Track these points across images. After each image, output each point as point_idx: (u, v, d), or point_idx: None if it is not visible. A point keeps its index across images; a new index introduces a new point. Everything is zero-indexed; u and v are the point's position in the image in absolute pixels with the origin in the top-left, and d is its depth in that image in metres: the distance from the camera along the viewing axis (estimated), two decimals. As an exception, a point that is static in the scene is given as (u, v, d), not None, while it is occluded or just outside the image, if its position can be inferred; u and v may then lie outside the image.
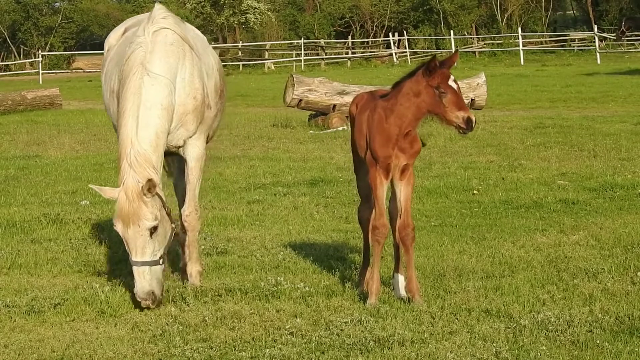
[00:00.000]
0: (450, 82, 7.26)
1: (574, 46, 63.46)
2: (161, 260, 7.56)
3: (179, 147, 8.10)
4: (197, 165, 8.17)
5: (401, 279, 7.79)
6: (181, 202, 8.84)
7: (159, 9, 8.06)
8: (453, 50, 59.48)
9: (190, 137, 8.02)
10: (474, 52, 64.25)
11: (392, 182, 7.60)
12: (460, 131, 7.27)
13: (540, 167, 14.99)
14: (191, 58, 7.91)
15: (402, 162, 7.49)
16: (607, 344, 6.49)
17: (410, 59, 63.66)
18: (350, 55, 66.48)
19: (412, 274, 7.62)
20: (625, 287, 7.88)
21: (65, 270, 9.01)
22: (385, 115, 7.46)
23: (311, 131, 21.56)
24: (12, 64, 69.54)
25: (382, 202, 7.56)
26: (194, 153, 8.13)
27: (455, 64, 7.66)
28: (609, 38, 62.05)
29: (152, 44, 7.74)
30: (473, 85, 22.24)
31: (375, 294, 7.58)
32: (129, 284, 8.31)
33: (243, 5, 79.00)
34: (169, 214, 7.63)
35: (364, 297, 7.73)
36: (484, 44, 66.68)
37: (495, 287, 7.98)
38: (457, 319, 7.18)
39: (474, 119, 7.23)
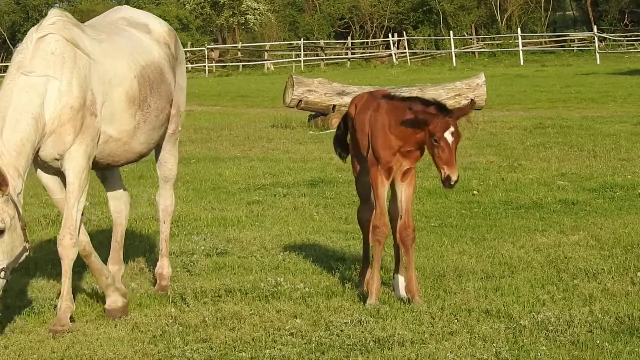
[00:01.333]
0: (447, 134, 7.12)
1: (573, 46, 63.49)
2: (2, 274, 6.82)
3: (55, 159, 7.28)
4: (76, 181, 7.24)
5: (401, 279, 7.79)
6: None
7: (51, 15, 7.47)
8: (453, 51, 59.56)
9: (68, 149, 7.21)
10: (473, 53, 64.29)
11: (393, 183, 7.59)
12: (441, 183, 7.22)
13: (540, 167, 14.99)
14: (72, 66, 7.22)
15: (405, 166, 7.49)
16: (607, 344, 6.49)
17: (410, 59, 63.71)
18: (349, 55, 66.54)
19: (412, 274, 7.62)
20: (625, 288, 7.88)
21: (65, 271, 9.00)
22: (389, 123, 7.40)
23: (311, 132, 21.56)
24: (11, 65, 69.49)
25: (383, 202, 7.55)
26: (72, 167, 7.24)
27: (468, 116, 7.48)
28: (609, 38, 62.07)
29: (33, 51, 7.22)
30: (473, 86, 22.23)
31: (375, 294, 7.57)
32: (129, 285, 8.33)
33: (243, 6, 79.06)
34: (23, 230, 7.02)
35: (364, 297, 7.73)
36: (484, 44, 66.73)
37: (495, 287, 7.98)
38: (457, 319, 7.18)
39: (453, 179, 7.10)
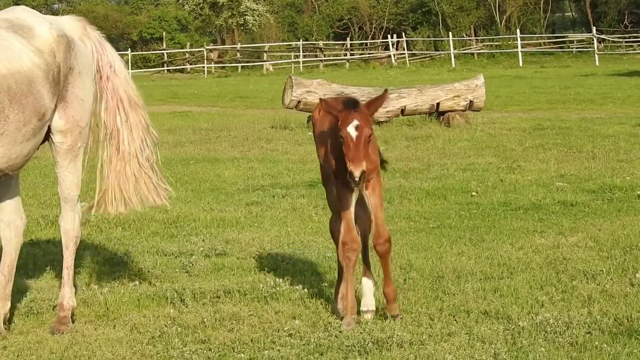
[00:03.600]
0: (349, 129, 6.61)
1: (572, 48, 63.58)
2: None
3: None
4: None
5: (370, 284, 7.33)
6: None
7: None
8: (452, 52, 59.59)
9: None
10: (472, 54, 64.35)
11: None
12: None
13: (539, 168, 15.00)
14: None
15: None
16: (605, 346, 6.49)
17: (409, 60, 63.74)
18: (348, 57, 66.59)
19: (390, 282, 7.22)
20: (623, 289, 7.88)
21: (64, 271, 9.00)
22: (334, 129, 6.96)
23: (310, 133, 21.57)
24: (10, 66, 69.50)
25: (350, 216, 7.08)
26: None
27: (383, 106, 6.89)
28: (608, 40, 62.15)
29: None
30: (472, 87, 22.23)
31: (350, 313, 7.10)
32: (128, 286, 8.34)
33: (242, 7, 79.11)
34: None
35: (339, 314, 7.34)
36: (483, 45, 66.79)
37: (493, 288, 7.98)
38: (455, 320, 7.17)
39: (357, 174, 6.53)
